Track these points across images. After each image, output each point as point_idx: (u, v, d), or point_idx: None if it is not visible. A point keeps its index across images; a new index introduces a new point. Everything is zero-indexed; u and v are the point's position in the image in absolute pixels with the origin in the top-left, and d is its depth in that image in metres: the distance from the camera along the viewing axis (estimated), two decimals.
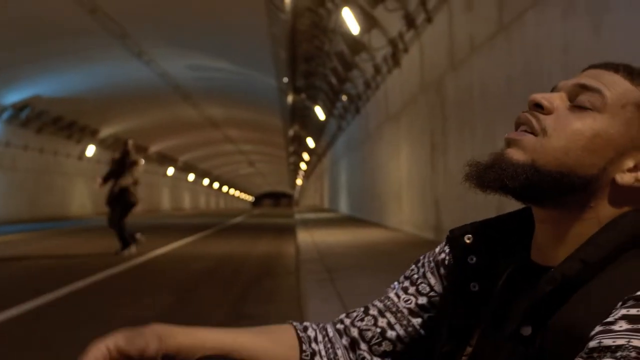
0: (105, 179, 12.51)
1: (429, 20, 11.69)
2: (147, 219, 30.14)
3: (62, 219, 29.11)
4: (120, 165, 12.42)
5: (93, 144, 35.98)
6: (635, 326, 0.86)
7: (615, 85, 1.05)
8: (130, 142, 12.82)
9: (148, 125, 38.74)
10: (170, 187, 57.40)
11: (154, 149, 46.92)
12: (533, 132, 1.05)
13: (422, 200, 12.88)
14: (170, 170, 55.21)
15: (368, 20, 14.34)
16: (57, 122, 31.34)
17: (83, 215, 33.01)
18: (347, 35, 15.74)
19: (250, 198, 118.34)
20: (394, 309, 1.30)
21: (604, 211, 1.05)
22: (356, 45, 16.44)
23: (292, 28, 18.15)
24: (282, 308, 6.52)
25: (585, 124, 1.04)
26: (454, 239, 1.23)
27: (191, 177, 65.21)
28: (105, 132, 36.72)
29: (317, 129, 34.79)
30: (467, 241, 1.20)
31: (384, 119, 17.70)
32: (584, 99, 1.05)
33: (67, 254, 12.39)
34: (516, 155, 1.05)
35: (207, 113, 38.05)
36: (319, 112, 27.55)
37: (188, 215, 41.84)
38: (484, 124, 8.80)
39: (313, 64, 22.30)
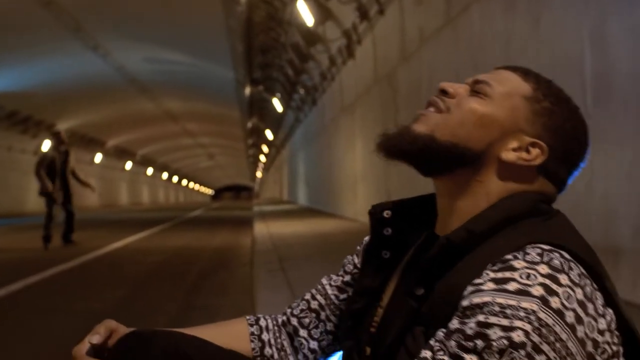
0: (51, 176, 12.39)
1: (381, 12, 11.83)
2: (104, 214, 29.95)
3: (17, 215, 28.74)
4: (61, 156, 12.43)
5: (49, 139, 35.49)
6: (500, 286, 1.02)
7: (506, 81, 1.25)
8: (64, 132, 13.03)
9: (105, 119, 38.38)
10: (129, 181, 56.89)
11: (111, 143, 46.51)
12: (439, 110, 1.24)
13: (377, 191, 13.04)
14: (129, 165, 54.75)
15: (322, 12, 14.46)
16: (12, 117, 30.87)
17: (39, 212, 32.60)
18: (302, 27, 15.83)
19: (210, 191, 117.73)
20: (323, 292, 1.46)
21: (492, 186, 1.21)
22: (311, 36, 16.53)
23: (248, 20, 18.21)
24: (235, 299, 6.60)
25: (478, 105, 1.22)
26: (374, 213, 1.36)
27: (150, 171, 64.69)
28: (62, 126, 36.25)
29: (276, 121, 34.78)
30: (386, 216, 1.34)
31: (339, 110, 17.83)
32: (479, 87, 1.24)
33: (22, 248, 12.34)
34: (419, 127, 1.23)
35: (165, 106, 37.83)
36: (277, 104, 27.59)
37: (146, 209, 41.53)
38: None
39: (269, 56, 22.35)
